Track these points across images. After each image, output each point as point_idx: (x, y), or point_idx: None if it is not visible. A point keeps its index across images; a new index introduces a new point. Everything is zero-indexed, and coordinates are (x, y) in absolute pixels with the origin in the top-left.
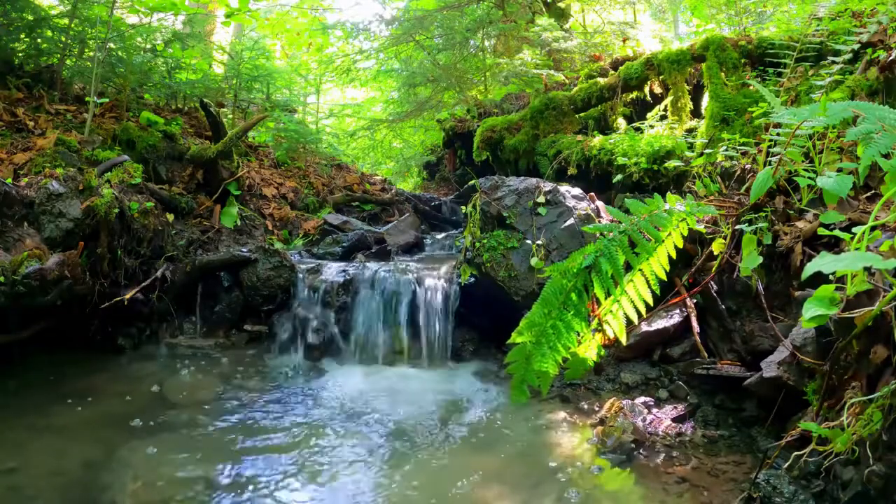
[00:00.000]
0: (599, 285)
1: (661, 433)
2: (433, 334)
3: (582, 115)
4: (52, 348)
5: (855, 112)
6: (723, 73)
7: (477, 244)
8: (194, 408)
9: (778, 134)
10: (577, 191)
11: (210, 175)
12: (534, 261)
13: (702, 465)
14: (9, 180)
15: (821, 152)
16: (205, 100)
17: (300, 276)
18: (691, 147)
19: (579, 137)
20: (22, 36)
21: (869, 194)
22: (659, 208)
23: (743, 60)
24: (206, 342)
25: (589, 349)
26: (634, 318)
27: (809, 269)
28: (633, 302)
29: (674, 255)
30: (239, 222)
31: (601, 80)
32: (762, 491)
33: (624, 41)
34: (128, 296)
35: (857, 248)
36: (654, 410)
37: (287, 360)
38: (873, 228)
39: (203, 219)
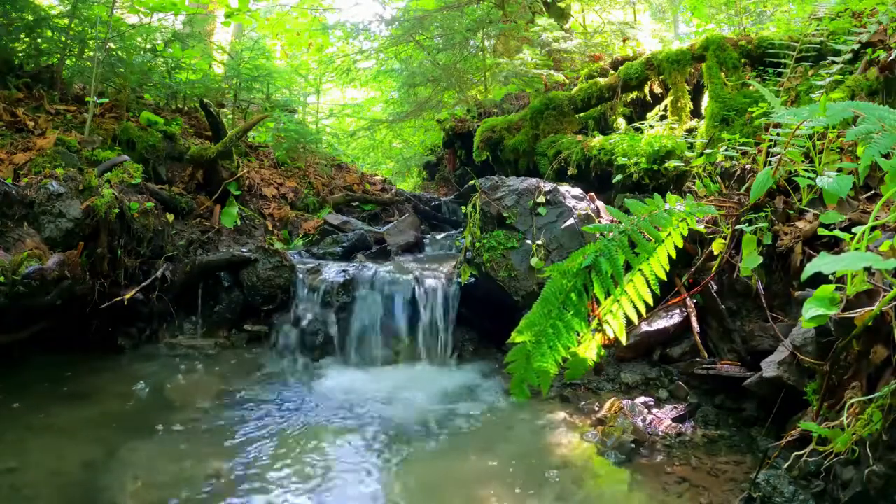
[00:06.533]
0: (599, 285)
1: (661, 433)
2: (433, 334)
3: (582, 115)
4: (53, 348)
5: (855, 112)
6: (723, 73)
7: (477, 244)
8: (194, 408)
9: (778, 134)
10: (577, 191)
11: (210, 175)
12: (534, 261)
13: (702, 465)
14: (9, 180)
15: (821, 152)
16: (205, 100)
17: (300, 276)
18: (691, 147)
19: (579, 137)
20: (22, 36)
21: (869, 194)
22: (659, 208)
23: (743, 60)
24: (206, 342)
25: (589, 349)
26: (634, 318)
27: (809, 270)
28: (633, 302)
29: (674, 255)
30: (239, 222)
31: (601, 80)
32: (762, 491)
33: (624, 41)
34: (128, 296)
35: (857, 248)
36: (654, 410)
37: (287, 361)
38: (873, 228)
39: (203, 219)
